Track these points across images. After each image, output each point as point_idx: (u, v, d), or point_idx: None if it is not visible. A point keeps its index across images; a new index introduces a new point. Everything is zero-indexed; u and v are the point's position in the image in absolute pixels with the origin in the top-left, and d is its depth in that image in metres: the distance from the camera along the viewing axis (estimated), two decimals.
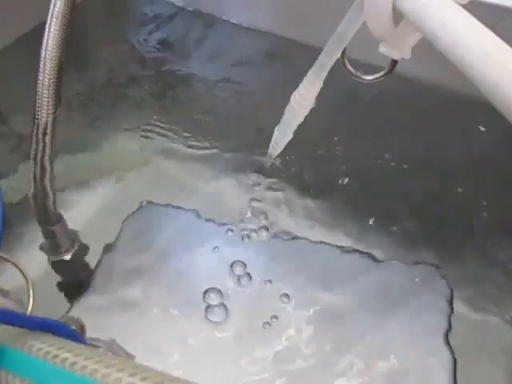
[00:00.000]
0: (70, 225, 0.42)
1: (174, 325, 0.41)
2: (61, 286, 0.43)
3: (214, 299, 0.42)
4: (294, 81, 0.33)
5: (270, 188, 0.50)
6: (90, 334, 0.32)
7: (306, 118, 0.34)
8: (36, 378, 0.22)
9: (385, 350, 0.40)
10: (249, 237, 0.47)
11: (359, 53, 0.32)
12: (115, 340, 0.36)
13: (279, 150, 0.37)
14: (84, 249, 0.44)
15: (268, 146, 0.39)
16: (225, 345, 0.40)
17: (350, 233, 0.47)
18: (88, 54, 0.66)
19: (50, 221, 0.39)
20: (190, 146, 0.54)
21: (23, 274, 0.39)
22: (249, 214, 0.48)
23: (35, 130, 0.35)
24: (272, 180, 0.51)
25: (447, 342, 0.39)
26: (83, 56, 0.64)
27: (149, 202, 0.49)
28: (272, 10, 0.64)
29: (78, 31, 0.63)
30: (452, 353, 0.39)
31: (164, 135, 0.55)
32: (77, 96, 0.59)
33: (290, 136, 0.36)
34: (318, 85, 0.31)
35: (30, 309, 0.37)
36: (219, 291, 0.43)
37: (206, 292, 0.43)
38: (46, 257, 0.42)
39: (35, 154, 0.36)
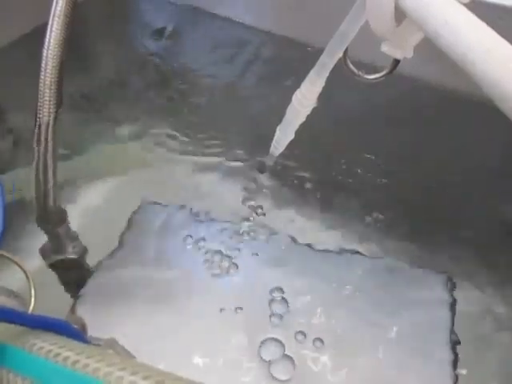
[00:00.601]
0: (72, 223, 0.42)
1: (174, 324, 0.41)
2: (62, 285, 0.43)
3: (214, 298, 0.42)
4: (295, 80, 0.33)
5: (270, 188, 0.50)
6: (91, 332, 0.32)
7: (308, 117, 0.34)
8: (37, 377, 0.22)
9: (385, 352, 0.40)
10: (248, 236, 0.47)
11: (361, 53, 0.32)
12: (116, 339, 0.36)
13: (281, 150, 0.37)
14: (84, 249, 0.44)
15: (269, 146, 0.39)
16: (227, 333, 0.40)
17: (352, 233, 0.47)
18: (89, 53, 0.66)
19: (52, 220, 0.39)
20: (191, 146, 0.54)
21: (25, 273, 0.39)
22: (249, 214, 0.48)
23: (37, 129, 0.35)
24: (272, 180, 0.51)
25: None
26: (84, 55, 0.64)
27: (149, 202, 0.49)
28: (273, 10, 0.64)
29: (79, 31, 0.63)
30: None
31: (164, 135, 0.55)
32: (77, 95, 0.59)
33: (291, 135, 0.35)
34: (319, 84, 0.31)
35: (31, 307, 0.37)
36: (220, 289, 0.43)
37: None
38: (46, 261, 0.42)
39: (37, 154, 0.36)
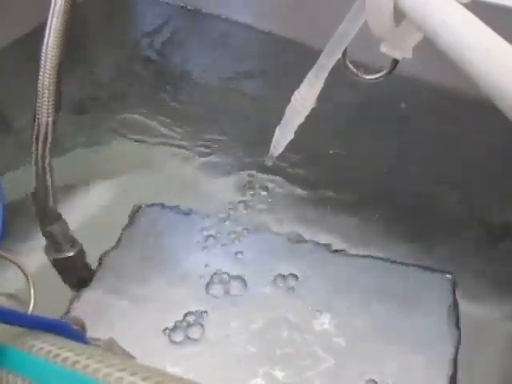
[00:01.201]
0: (70, 225, 0.42)
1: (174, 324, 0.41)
2: (61, 285, 0.43)
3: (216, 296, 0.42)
4: (294, 81, 0.33)
5: (270, 189, 0.50)
6: (90, 333, 0.32)
7: (307, 118, 0.34)
8: (37, 378, 0.22)
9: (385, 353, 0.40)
10: (248, 236, 0.47)
11: (360, 53, 0.32)
12: (114, 339, 0.36)
13: (280, 150, 0.37)
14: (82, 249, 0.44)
15: (269, 146, 0.39)
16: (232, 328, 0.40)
17: (353, 234, 0.47)
18: (88, 53, 0.66)
19: (50, 220, 0.39)
20: (191, 146, 0.54)
21: (24, 273, 0.39)
22: (248, 214, 0.48)
23: (36, 130, 0.35)
24: (272, 180, 0.51)
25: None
26: (83, 56, 0.64)
27: (148, 203, 0.49)
28: (272, 10, 0.64)
29: (79, 31, 0.63)
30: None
31: (164, 135, 0.55)
32: (76, 96, 0.59)
33: (290, 136, 0.36)
34: (318, 85, 0.31)
35: (31, 308, 0.37)
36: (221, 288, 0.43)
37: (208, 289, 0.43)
38: (46, 256, 0.42)
39: (36, 154, 0.36)
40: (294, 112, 0.33)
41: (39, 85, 0.34)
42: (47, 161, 0.36)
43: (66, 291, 0.43)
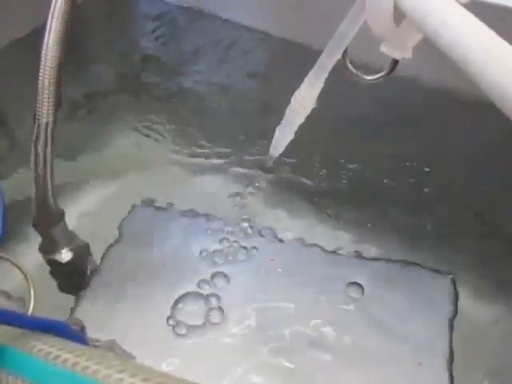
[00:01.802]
0: (70, 225, 0.42)
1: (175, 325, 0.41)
2: (61, 286, 0.43)
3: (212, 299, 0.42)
4: (294, 81, 0.33)
5: (270, 189, 0.50)
6: (90, 334, 0.32)
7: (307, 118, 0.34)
8: (37, 379, 0.22)
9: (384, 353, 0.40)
10: (247, 237, 0.47)
11: (360, 53, 0.32)
12: (115, 340, 0.36)
13: (280, 151, 0.37)
14: (84, 248, 0.43)
15: (269, 147, 0.39)
16: (230, 342, 0.40)
17: (351, 234, 0.47)
18: (88, 54, 0.66)
19: (50, 221, 0.39)
20: (191, 147, 0.54)
21: (24, 275, 0.39)
22: (247, 215, 0.48)
23: (36, 131, 0.35)
24: (272, 181, 0.51)
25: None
26: (83, 56, 0.64)
27: (147, 204, 0.49)
28: (272, 11, 0.64)
29: (79, 31, 0.63)
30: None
31: (163, 136, 0.55)
32: (76, 96, 0.59)
33: (290, 136, 0.36)
34: (318, 85, 0.31)
35: (31, 309, 0.37)
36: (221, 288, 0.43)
37: (207, 290, 0.43)
38: (44, 258, 0.42)
39: (36, 155, 0.36)
40: (294, 112, 0.33)
41: (39, 85, 0.34)
42: (47, 161, 0.36)
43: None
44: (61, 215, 0.40)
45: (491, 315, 0.42)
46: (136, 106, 0.59)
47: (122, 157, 0.54)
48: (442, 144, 0.54)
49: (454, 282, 0.43)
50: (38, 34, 0.33)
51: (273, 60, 0.64)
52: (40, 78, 0.34)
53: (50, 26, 0.33)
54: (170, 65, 0.64)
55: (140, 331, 0.40)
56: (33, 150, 0.36)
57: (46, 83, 0.34)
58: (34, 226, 0.39)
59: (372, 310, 0.42)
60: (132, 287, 0.43)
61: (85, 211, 0.48)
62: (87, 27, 0.68)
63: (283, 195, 0.50)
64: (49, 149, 0.36)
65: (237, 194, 0.50)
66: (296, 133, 0.35)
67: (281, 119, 0.35)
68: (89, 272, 0.43)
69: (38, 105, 0.34)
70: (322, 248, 0.45)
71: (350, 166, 0.52)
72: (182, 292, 0.43)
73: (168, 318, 0.41)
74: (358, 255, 0.45)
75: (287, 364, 0.39)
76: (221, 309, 0.42)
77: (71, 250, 0.42)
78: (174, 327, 0.41)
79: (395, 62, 0.28)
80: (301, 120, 0.34)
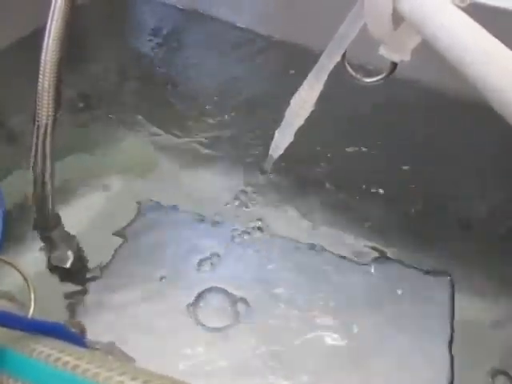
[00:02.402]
0: (70, 227, 0.42)
1: (175, 327, 0.41)
2: (61, 289, 0.43)
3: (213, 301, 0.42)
4: (294, 83, 0.33)
5: (270, 190, 0.50)
6: (90, 336, 0.32)
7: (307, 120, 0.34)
8: (37, 382, 0.22)
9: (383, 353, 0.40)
10: (247, 238, 0.47)
11: (360, 56, 0.32)
12: (115, 343, 0.36)
13: (280, 153, 0.38)
14: (82, 253, 0.44)
15: (269, 148, 0.39)
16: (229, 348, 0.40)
17: (351, 234, 0.47)
18: (88, 55, 0.66)
19: (49, 224, 0.39)
20: (191, 148, 0.54)
21: (24, 278, 0.39)
22: (248, 215, 0.48)
23: (35, 132, 0.35)
24: (272, 182, 0.51)
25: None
26: (83, 57, 0.64)
27: (149, 203, 0.49)
28: (271, 13, 0.64)
29: (79, 33, 0.63)
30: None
31: (163, 136, 0.55)
32: (77, 97, 0.59)
33: (290, 138, 0.36)
34: (318, 88, 0.31)
35: (31, 312, 0.37)
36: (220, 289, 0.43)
37: (206, 292, 0.43)
38: (46, 260, 0.42)
39: (35, 156, 0.36)
40: (293, 114, 0.34)
41: (39, 87, 0.34)
42: (47, 163, 0.36)
43: (67, 295, 0.43)
44: (57, 218, 0.40)
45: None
46: (136, 106, 0.59)
47: (123, 158, 0.54)
48: (442, 144, 0.54)
49: (452, 283, 0.43)
50: (39, 35, 0.34)
51: (271, 62, 0.64)
52: (40, 79, 0.34)
53: (50, 28, 0.34)
54: (170, 66, 0.64)
55: (142, 333, 0.40)
56: (32, 151, 0.36)
57: (46, 85, 0.34)
58: (35, 228, 0.39)
59: (371, 310, 0.42)
60: (134, 290, 0.43)
61: (86, 212, 0.48)
62: (87, 28, 0.68)
63: (284, 195, 0.50)
64: (48, 151, 0.36)
65: (239, 194, 0.50)
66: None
67: (280, 121, 0.35)
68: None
69: (37, 107, 0.34)
70: (330, 252, 0.46)
71: (349, 166, 0.52)
72: (186, 293, 0.43)
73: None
74: (354, 253, 0.45)
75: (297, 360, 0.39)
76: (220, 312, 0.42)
77: (71, 251, 0.42)
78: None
79: (394, 65, 0.28)
80: (300, 122, 0.34)
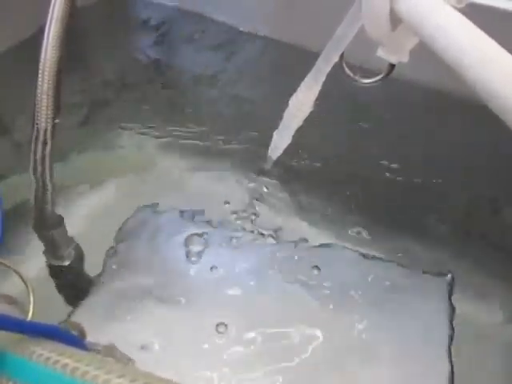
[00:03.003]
0: (71, 228, 0.42)
1: (174, 328, 0.41)
2: (61, 291, 0.43)
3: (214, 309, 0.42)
4: (292, 85, 0.33)
5: (270, 191, 0.50)
6: (90, 338, 0.32)
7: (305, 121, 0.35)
8: None
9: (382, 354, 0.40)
10: (248, 240, 0.47)
11: (357, 57, 0.32)
12: (115, 345, 0.36)
13: (278, 154, 0.38)
14: (81, 254, 0.44)
15: (267, 150, 0.39)
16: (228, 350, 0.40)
17: (351, 234, 0.47)
18: (88, 57, 0.66)
19: (49, 225, 0.39)
20: (190, 149, 0.54)
21: (23, 280, 0.39)
22: (248, 217, 0.48)
23: (35, 135, 0.35)
24: (272, 183, 0.51)
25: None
26: (83, 60, 0.64)
27: (147, 206, 0.49)
28: (269, 14, 0.65)
29: (78, 35, 0.63)
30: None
31: (163, 137, 0.56)
32: (77, 99, 0.59)
33: (288, 140, 0.36)
34: (316, 89, 0.31)
35: (30, 314, 0.37)
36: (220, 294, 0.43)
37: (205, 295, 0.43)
38: (45, 262, 0.42)
39: (35, 158, 0.36)
40: (291, 116, 0.34)
41: (38, 90, 0.34)
42: (46, 166, 0.36)
43: (66, 297, 0.43)
44: (59, 219, 0.40)
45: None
46: (136, 107, 0.59)
47: (122, 159, 0.54)
48: (443, 144, 0.54)
49: (451, 283, 0.43)
50: (38, 38, 0.34)
51: (270, 63, 0.64)
52: (39, 82, 0.34)
53: (49, 31, 0.34)
54: (169, 67, 0.64)
55: (142, 333, 0.40)
56: (32, 154, 0.36)
57: (45, 88, 0.34)
58: (34, 229, 0.39)
59: (370, 310, 0.42)
60: (131, 292, 0.43)
61: (85, 214, 0.48)
62: (86, 30, 0.68)
63: (284, 196, 0.50)
64: (48, 154, 0.36)
65: (239, 194, 0.50)
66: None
67: (279, 122, 0.36)
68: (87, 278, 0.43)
69: (36, 110, 0.34)
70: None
71: (349, 166, 0.52)
72: (182, 297, 0.43)
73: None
74: (354, 253, 0.45)
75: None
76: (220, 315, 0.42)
77: (71, 254, 0.42)
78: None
79: (392, 66, 0.28)
80: (298, 123, 0.34)
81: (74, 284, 0.43)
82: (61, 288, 0.43)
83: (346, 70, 0.30)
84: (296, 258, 0.45)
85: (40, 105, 0.34)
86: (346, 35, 0.28)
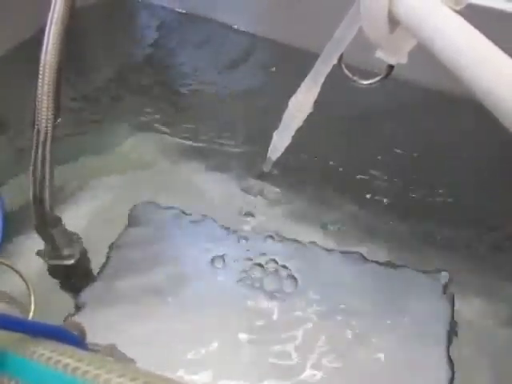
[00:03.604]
0: (72, 227, 0.42)
1: (174, 329, 0.41)
2: (61, 291, 0.43)
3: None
4: (291, 86, 0.33)
5: (270, 192, 0.50)
6: (91, 338, 0.32)
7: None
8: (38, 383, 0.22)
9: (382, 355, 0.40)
10: (248, 240, 0.47)
11: (357, 58, 0.32)
12: (115, 345, 0.36)
13: (278, 155, 0.38)
14: (84, 253, 0.44)
15: (267, 151, 0.39)
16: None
17: (351, 235, 0.47)
18: (88, 59, 0.66)
19: (49, 224, 0.39)
20: (191, 149, 0.55)
21: (24, 280, 0.39)
22: (249, 217, 0.48)
23: (35, 137, 0.35)
24: (271, 184, 0.51)
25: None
26: (83, 61, 0.64)
27: (148, 204, 0.49)
28: (268, 15, 0.65)
29: (78, 36, 0.63)
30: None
31: (163, 138, 0.56)
32: (76, 100, 0.59)
33: (288, 140, 0.36)
34: (315, 90, 0.32)
35: (31, 314, 0.37)
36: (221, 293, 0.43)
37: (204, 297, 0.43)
38: (45, 262, 0.42)
39: (35, 159, 0.36)
40: (291, 117, 0.34)
41: (38, 92, 0.34)
42: (47, 166, 0.36)
43: (67, 297, 0.43)
44: (57, 219, 0.40)
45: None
46: (136, 108, 0.59)
47: (122, 159, 0.54)
48: (442, 145, 0.54)
49: (451, 283, 0.43)
50: (38, 40, 0.34)
51: (269, 64, 0.64)
52: (39, 84, 0.34)
53: (49, 33, 0.34)
54: (169, 68, 0.64)
55: (142, 334, 0.40)
56: (32, 155, 0.36)
57: (46, 89, 0.34)
58: (36, 229, 0.39)
59: (369, 310, 0.42)
60: (132, 291, 0.43)
61: (86, 214, 0.48)
62: (86, 32, 0.68)
63: (284, 196, 0.50)
64: (48, 154, 0.36)
65: (240, 195, 0.50)
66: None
67: (278, 123, 0.36)
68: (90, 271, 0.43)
69: (36, 111, 0.34)
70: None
71: (349, 167, 0.52)
72: (181, 296, 0.43)
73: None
74: (353, 253, 0.45)
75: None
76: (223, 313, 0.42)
77: (73, 252, 0.42)
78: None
79: (391, 67, 0.28)
80: (298, 124, 0.34)
81: (75, 282, 0.43)
82: (62, 287, 0.43)
83: (345, 70, 0.30)
84: (297, 257, 0.46)
85: (40, 106, 0.34)
86: (344, 37, 0.28)
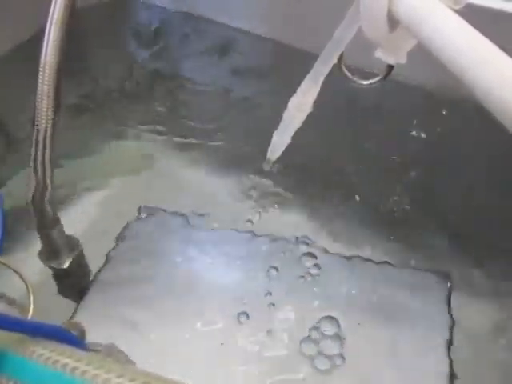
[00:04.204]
0: (71, 229, 0.42)
1: (173, 329, 0.41)
2: (61, 291, 0.43)
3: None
4: (291, 86, 0.33)
5: (270, 192, 0.50)
6: (90, 338, 0.32)
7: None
8: (37, 383, 0.22)
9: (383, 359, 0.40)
10: (249, 242, 0.47)
11: (356, 58, 0.32)
12: (115, 344, 0.36)
13: (277, 155, 0.38)
14: (81, 254, 0.44)
15: (267, 151, 0.39)
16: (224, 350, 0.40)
17: (351, 236, 0.47)
18: (87, 59, 0.66)
19: (48, 225, 0.39)
20: (191, 150, 0.55)
21: (23, 280, 0.39)
22: (250, 220, 0.48)
23: (35, 136, 0.35)
24: (271, 184, 0.51)
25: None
26: (83, 60, 0.64)
27: (148, 207, 0.49)
28: (268, 16, 0.65)
29: (78, 37, 0.63)
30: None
31: (163, 139, 0.56)
32: (76, 101, 0.59)
33: (288, 141, 0.36)
34: (315, 90, 0.31)
35: (30, 314, 0.37)
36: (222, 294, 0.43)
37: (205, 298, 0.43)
38: (44, 264, 0.42)
39: (35, 160, 0.36)
40: (291, 117, 0.34)
41: (38, 91, 0.34)
42: (47, 166, 0.36)
43: (66, 297, 0.43)
44: (57, 221, 0.40)
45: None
46: (136, 109, 0.59)
47: (122, 161, 0.54)
48: (442, 145, 0.54)
49: (451, 283, 0.43)
50: (38, 40, 0.34)
51: (271, 64, 0.64)
52: (39, 84, 0.34)
53: (49, 33, 0.34)
54: (169, 69, 0.64)
55: (141, 335, 0.40)
56: (32, 155, 0.36)
57: (46, 89, 0.34)
58: (38, 230, 0.39)
59: (369, 310, 0.42)
60: (134, 292, 0.43)
61: (85, 215, 0.48)
62: (86, 32, 0.68)
63: (285, 198, 0.50)
64: (48, 154, 0.36)
65: (235, 196, 0.50)
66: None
67: (278, 123, 0.36)
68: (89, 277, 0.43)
69: (36, 111, 0.34)
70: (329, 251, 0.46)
71: (348, 167, 0.52)
72: (182, 298, 0.43)
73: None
74: (354, 256, 0.45)
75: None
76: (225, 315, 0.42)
77: (71, 255, 0.42)
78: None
79: (390, 67, 0.28)
80: (298, 124, 0.34)
81: (74, 284, 0.43)
82: (61, 288, 0.43)
83: (345, 71, 0.30)
84: (297, 256, 0.46)
85: (40, 106, 0.34)
86: (344, 37, 0.28)
